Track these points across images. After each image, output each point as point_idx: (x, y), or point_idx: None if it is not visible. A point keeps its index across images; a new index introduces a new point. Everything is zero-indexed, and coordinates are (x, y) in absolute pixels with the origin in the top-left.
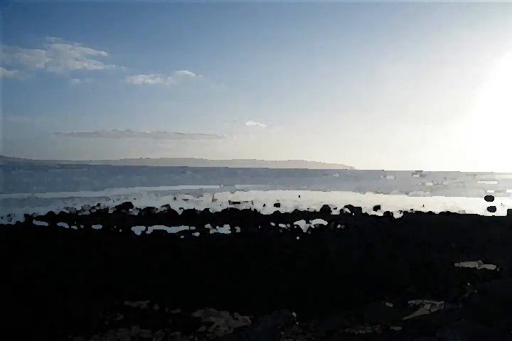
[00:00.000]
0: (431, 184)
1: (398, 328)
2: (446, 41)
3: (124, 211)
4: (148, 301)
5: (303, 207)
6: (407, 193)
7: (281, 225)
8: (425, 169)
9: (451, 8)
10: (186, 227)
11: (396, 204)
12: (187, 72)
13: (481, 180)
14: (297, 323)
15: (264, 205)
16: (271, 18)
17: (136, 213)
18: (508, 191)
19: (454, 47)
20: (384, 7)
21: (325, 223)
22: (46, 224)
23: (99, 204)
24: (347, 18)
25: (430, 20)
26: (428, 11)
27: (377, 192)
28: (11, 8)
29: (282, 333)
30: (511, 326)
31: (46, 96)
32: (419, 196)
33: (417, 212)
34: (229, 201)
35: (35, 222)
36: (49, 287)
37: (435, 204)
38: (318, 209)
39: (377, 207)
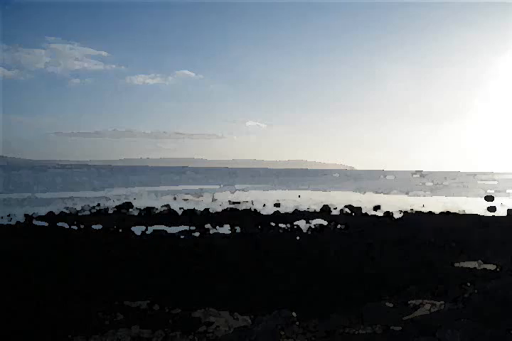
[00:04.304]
0: (431, 184)
1: (398, 328)
2: (446, 41)
3: (124, 211)
4: (148, 301)
5: (303, 207)
6: (407, 193)
7: (281, 225)
8: (425, 169)
9: (451, 8)
10: (186, 227)
11: (396, 204)
12: (187, 72)
13: (481, 180)
14: (297, 323)
15: (264, 205)
16: (270, 18)
17: (136, 213)
18: (508, 191)
19: (454, 47)
20: (384, 7)
21: (325, 223)
22: (46, 224)
23: (99, 204)
24: (347, 18)
25: (430, 20)
26: (428, 11)
27: (377, 192)
28: (11, 8)
29: (282, 333)
30: (511, 326)
31: (46, 96)
32: (419, 196)
33: (417, 212)
34: (229, 201)
35: (35, 221)
36: (49, 287)
37: (435, 204)
38: (318, 209)
39: (377, 207)
